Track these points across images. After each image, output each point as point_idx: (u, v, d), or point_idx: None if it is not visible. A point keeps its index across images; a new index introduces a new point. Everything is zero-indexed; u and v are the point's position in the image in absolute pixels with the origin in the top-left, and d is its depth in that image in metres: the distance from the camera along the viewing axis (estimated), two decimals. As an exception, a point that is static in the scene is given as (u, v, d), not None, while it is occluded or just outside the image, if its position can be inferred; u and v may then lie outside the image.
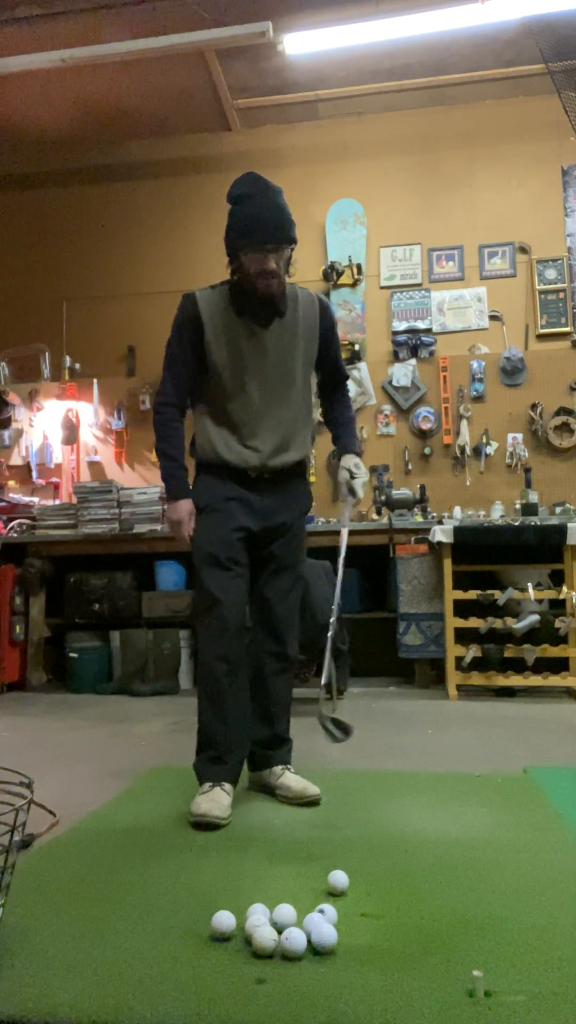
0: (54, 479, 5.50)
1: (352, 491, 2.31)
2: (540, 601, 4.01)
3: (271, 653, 2.26)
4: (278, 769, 2.25)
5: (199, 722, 2.20)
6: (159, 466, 2.31)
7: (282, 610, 2.26)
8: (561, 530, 3.95)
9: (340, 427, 2.44)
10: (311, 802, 2.14)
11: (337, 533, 2.61)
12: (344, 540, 2.37)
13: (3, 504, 5.08)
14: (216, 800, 2.05)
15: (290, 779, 2.21)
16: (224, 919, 1.36)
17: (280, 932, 1.30)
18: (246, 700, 2.23)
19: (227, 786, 2.13)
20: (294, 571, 2.29)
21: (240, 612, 2.18)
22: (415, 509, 4.59)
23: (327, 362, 2.38)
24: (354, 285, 5.32)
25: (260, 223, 2.09)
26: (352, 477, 2.31)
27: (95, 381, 5.53)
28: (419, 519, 4.51)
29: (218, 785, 2.11)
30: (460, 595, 4.01)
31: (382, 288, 5.33)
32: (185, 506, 2.23)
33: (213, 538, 2.18)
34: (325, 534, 4.13)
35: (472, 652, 3.93)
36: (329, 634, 2.28)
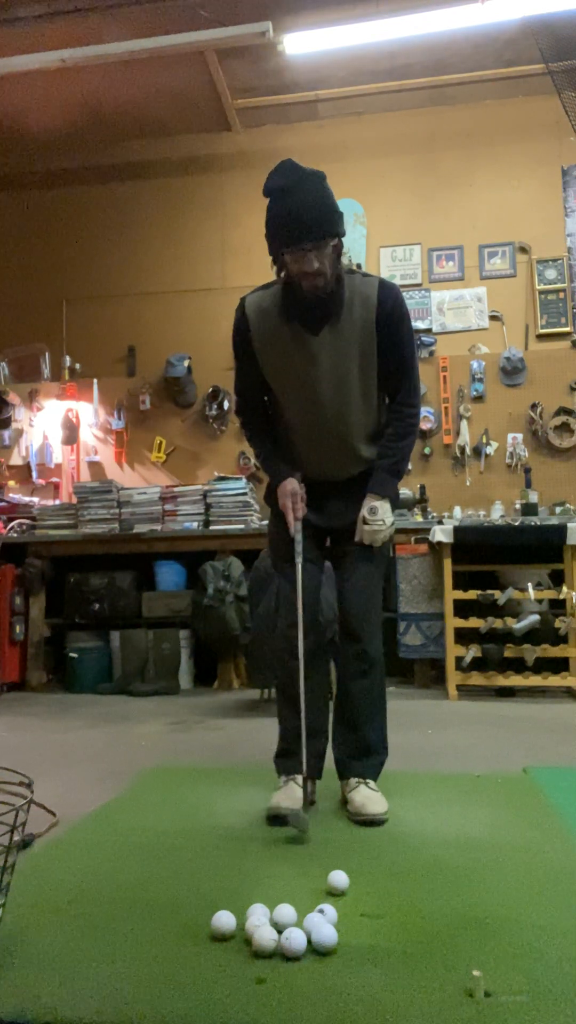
0: (54, 479, 5.50)
1: (361, 536, 2.10)
2: (540, 601, 4.00)
3: (351, 655, 2.14)
4: (353, 781, 2.09)
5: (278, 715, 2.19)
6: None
7: (356, 606, 2.13)
8: (561, 530, 3.94)
9: (379, 459, 2.13)
10: (368, 821, 1.96)
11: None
12: (299, 548, 2.14)
13: (3, 504, 5.08)
14: (288, 794, 2.02)
15: (358, 794, 2.04)
16: (224, 919, 1.35)
17: (280, 932, 1.30)
18: (321, 691, 2.17)
19: (301, 779, 2.08)
20: (368, 566, 2.15)
21: (309, 603, 2.11)
22: (415, 509, 4.59)
23: (382, 363, 2.06)
24: (354, 285, 5.31)
25: (297, 220, 1.87)
26: (364, 523, 2.09)
27: (95, 381, 5.53)
28: (419, 519, 4.52)
29: (291, 779, 2.08)
30: (460, 595, 4.01)
31: (382, 288, 5.33)
32: (286, 487, 2.10)
33: (281, 536, 2.16)
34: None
35: (472, 652, 3.93)
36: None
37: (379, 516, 2.08)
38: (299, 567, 2.08)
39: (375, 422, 2.14)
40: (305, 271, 1.91)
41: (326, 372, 2.03)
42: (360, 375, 2.04)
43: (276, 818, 1.97)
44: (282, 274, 2.00)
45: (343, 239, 1.99)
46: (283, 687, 2.17)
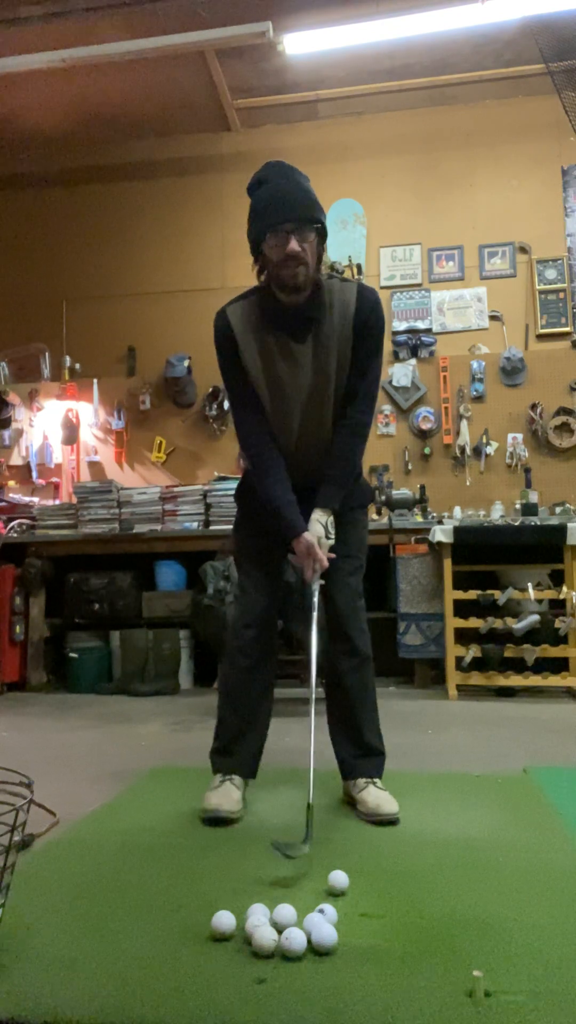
0: (54, 479, 5.50)
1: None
2: (540, 601, 4.00)
3: (341, 652, 2.12)
4: (361, 782, 2.08)
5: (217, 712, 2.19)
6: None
7: (341, 603, 2.11)
8: (561, 530, 3.94)
9: (328, 467, 2.05)
10: (384, 821, 1.96)
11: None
12: (315, 599, 2.06)
13: (3, 504, 5.08)
14: (226, 795, 2.02)
15: (369, 794, 2.03)
16: (224, 919, 1.35)
17: (280, 932, 1.30)
18: (266, 694, 2.18)
19: (237, 779, 2.09)
20: (349, 562, 2.13)
21: (265, 606, 2.13)
22: (415, 509, 4.59)
23: (350, 369, 2.02)
24: (354, 285, 5.32)
25: (278, 201, 1.88)
26: (327, 537, 2.02)
27: (95, 381, 5.53)
28: (419, 519, 4.51)
29: (228, 779, 2.08)
30: (460, 595, 4.01)
31: (382, 288, 5.31)
32: (305, 544, 1.98)
33: (254, 543, 2.16)
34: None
35: (472, 652, 3.93)
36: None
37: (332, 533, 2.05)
38: (314, 620, 2.03)
39: None
40: (286, 254, 1.88)
41: (310, 380, 2.01)
42: (336, 382, 2.02)
43: (217, 821, 1.97)
44: (263, 278, 1.99)
45: (325, 246, 1.98)
46: (227, 685, 2.16)
